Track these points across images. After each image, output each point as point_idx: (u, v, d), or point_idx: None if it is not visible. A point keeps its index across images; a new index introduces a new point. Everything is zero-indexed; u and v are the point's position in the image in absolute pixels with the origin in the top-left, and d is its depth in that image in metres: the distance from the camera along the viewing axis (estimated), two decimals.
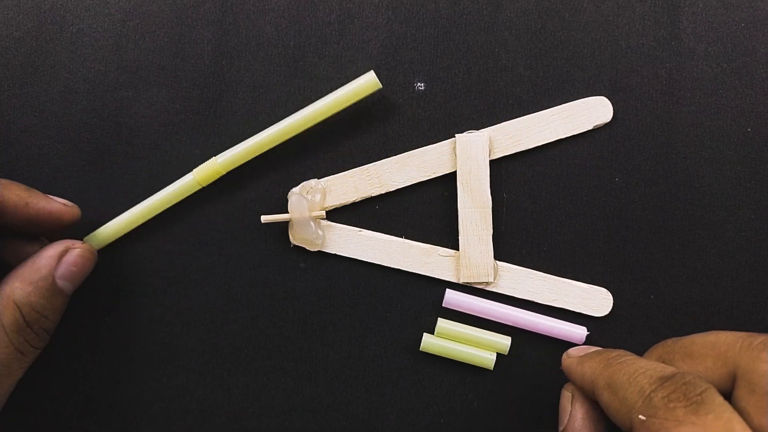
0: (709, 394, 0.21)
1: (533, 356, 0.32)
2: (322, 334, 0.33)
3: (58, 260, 0.28)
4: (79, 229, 0.32)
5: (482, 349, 0.32)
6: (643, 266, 0.33)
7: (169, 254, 0.33)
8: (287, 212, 0.32)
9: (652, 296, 0.32)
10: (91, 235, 0.32)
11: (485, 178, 0.32)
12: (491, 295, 0.32)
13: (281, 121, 0.32)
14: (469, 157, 0.32)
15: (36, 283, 0.27)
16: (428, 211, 0.33)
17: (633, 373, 0.23)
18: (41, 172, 0.33)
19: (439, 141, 0.33)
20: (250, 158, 0.32)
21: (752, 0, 0.33)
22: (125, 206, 0.32)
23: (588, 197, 0.33)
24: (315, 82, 0.33)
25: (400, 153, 0.33)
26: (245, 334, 0.33)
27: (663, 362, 0.25)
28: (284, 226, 0.33)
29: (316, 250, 0.32)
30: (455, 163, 0.32)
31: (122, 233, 0.32)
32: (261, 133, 0.32)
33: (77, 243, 0.29)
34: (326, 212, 0.33)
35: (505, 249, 0.33)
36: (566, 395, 0.27)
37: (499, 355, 0.32)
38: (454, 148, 0.32)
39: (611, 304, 0.32)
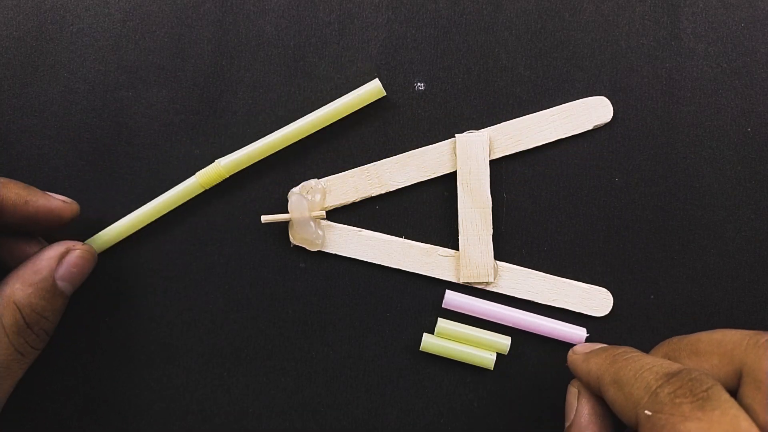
0: (715, 390, 0.21)
1: (533, 356, 0.32)
2: (322, 334, 0.33)
3: (58, 261, 0.28)
4: (78, 230, 0.32)
5: (482, 349, 0.32)
6: (643, 266, 0.33)
7: (169, 254, 0.33)
8: (287, 212, 0.32)
9: (652, 296, 0.32)
10: (94, 237, 0.32)
11: (485, 178, 0.32)
12: (491, 295, 0.32)
13: (285, 127, 0.32)
14: (469, 157, 0.32)
15: (36, 285, 0.27)
16: (428, 211, 0.33)
17: (639, 369, 0.23)
18: (41, 172, 0.33)
19: (439, 141, 0.33)
20: (253, 162, 0.32)
21: (752, 0, 0.33)
22: (125, 206, 0.32)
23: (588, 197, 0.33)
24: (315, 82, 0.33)
25: (400, 153, 0.33)
26: (245, 334, 0.33)
27: (669, 360, 0.25)
28: (284, 226, 0.33)
29: (316, 250, 0.32)
30: (455, 163, 0.32)
31: (125, 236, 0.32)
32: (265, 138, 0.32)
33: (78, 244, 0.29)
34: (326, 212, 0.33)
35: (505, 249, 0.33)
36: (573, 391, 0.27)
37: (499, 355, 0.32)
38: (454, 148, 0.32)
39: (611, 304, 0.32)
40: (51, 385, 0.32)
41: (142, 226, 0.32)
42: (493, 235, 0.32)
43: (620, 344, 0.31)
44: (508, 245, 0.33)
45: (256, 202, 0.33)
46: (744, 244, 0.33)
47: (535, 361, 0.32)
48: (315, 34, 0.33)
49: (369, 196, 0.33)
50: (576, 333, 0.32)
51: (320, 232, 0.32)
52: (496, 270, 0.32)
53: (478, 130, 0.33)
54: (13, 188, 0.28)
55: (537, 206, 0.33)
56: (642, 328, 0.32)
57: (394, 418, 0.32)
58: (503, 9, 0.33)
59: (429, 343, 0.32)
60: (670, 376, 0.22)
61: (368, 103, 0.32)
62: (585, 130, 0.33)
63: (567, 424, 0.27)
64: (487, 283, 0.32)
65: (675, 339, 0.26)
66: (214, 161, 0.32)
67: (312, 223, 0.32)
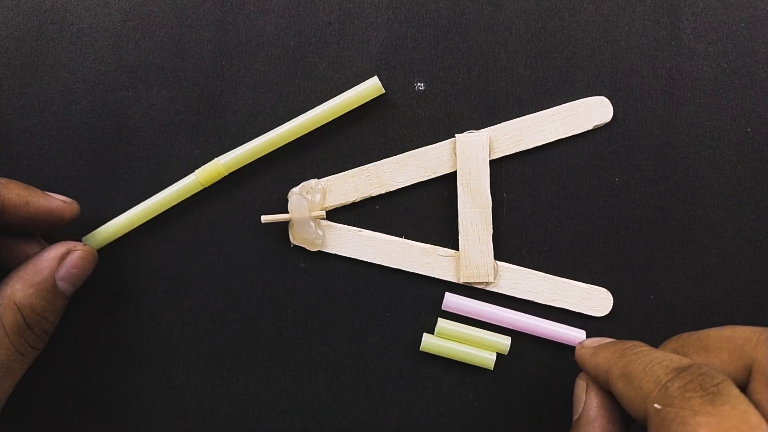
0: (725, 385, 0.21)
1: (533, 356, 0.32)
2: (322, 334, 0.33)
3: (59, 262, 0.28)
4: (78, 230, 0.32)
5: (482, 349, 0.32)
6: (643, 266, 0.33)
7: (169, 254, 0.33)
8: (287, 212, 0.32)
9: (652, 296, 0.32)
10: (92, 234, 0.32)
11: (485, 178, 0.32)
12: (491, 295, 0.32)
13: (284, 124, 0.32)
14: (469, 157, 0.32)
15: (37, 285, 0.27)
16: (428, 211, 0.33)
17: (648, 363, 0.23)
18: (41, 172, 0.33)
19: (439, 141, 0.33)
20: (252, 160, 0.32)
21: (752, 0, 0.33)
22: (125, 206, 0.32)
23: (588, 197, 0.33)
24: (315, 82, 0.33)
25: (400, 153, 0.33)
26: (245, 334, 0.33)
27: (678, 355, 0.25)
28: (284, 226, 0.33)
29: (316, 250, 0.32)
30: (455, 163, 0.32)
31: (123, 233, 0.32)
32: (264, 135, 0.32)
33: (78, 245, 0.29)
34: (326, 212, 0.33)
35: (505, 249, 0.33)
36: (581, 384, 0.27)
37: (499, 355, 0.32)
38: (454, 148, 0.32)
39: (611, 304, 0.32)
40: (51, 385, 0.32)
41: (141, 223, 0.32)
42: (493, 235, 0.32)
43: None
44: (508, 245, 0.33)
45: (256, 202, 0.33)
46: (744, 244, 0.33)
47: (535, 361, 0.32)
48: (315, 34, 0.33)
49: (369, 196, 0.33)
50: (575, 335, 0.32)
51: (320, 232, 0.32)
52: (496, 270, 0.32)
53: (478, 130, 0.33)
54: (13, 189, 0.28)
55: (537, 206, 0.33)
56: (642, 328, 0.32)
57: (394, 418, 0.32)
58: (503, 9, 0.33)
59: (429, 343, 0.32)
60: (680, 371, 0.22)
61: (367, 100, 0.32)
62: (585, 130, 0.33)
63: (575, 417, 0.27)
64: (487, 283, 0.32)
65: (684, 335, 0.26)
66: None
67: (312, 223, 0.32)
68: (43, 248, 0.29)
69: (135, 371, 0.33)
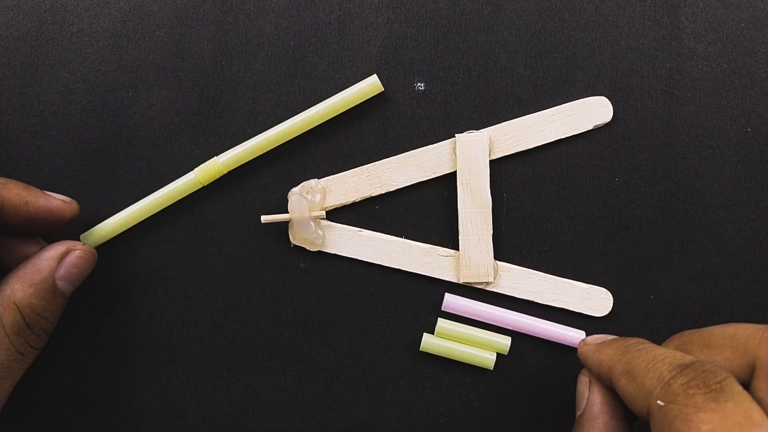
0: (728, 382, 0.21)
1: (533, 356, 0.32)
2: (322, 334, 0.33)
3: (58, 262, 0.28)
4: (78, 229, 0.32)
5: (482, 349, 0.32)
6: (643, 266, 0.33)
7: (169, 254, 0.33)
8: (287, 212, 0.32)
9: (652, 296, 0.32)
10: (90, 231, 0.32)
11: (485, 178, 0.32)
12: (491, 295, 0.32)
13: (283, 122, 0.32)
14: (469, 157, 0.32)
15: (36, 285, 0.27)
16: (428, 211, 0.33)
17: (652, 360, 0.23)
18: (41, 172, 0.33)
19: (439, 141, 0.33)
20: (251, 158, 0.32)
21: (752, 0, 0.33)
22: (125, 206, 0.32)
23: (588, 197, 0.33)
24: (315, 82, 0.33)
25: (400, 153, 0.33)
26: (245, 334, 0.33)
27: (681, 352, 0.25)
28: (284, 226, 0.33)
29: (316, 250, 0.32)
30: (455, 163, 0.32)
31: (121, 230, 0.32)
32: (263, 133, 0.32)
33: (78, 244, 0.29)
34: (326, 212, 0.33)
35: (505, 249, 0.33)
36: (583, 380, 0.27)
37: (499, 355, 0.32)
38: (454, 148, 0.32)
39: (611, 304, 0.32)
40: (51, 385, 0.32)
41: (139, 221, 0.32)
42: (493, 235, 0.32)
43: None
44: (508, 245, 0.33)
45: (256, 202, 0.33)
46: (744, 244, 0.33)
47: (535, 361, 0.32)
48: (315, 34, 0.33)
49: (369, 196, 0.33)
50: (575, 336, 0.32)
51: (320, 232, 0.32)
52: (496, 270, 0.32)
53: (478, 130, 0.33)
54: (13, 189, 0.28)
55: (537, 206, 0.33)
56: (642, 328, 0.32)
57: (394, 418, 0.32)
58: (503, 9, 0.33)
59: (429, 343, 0.32)
60: (684, 367, 0.22)
61: (366, 99, 0.32)
62: (585, 130, 0.33)
63: (578, 413, 0.27)
64: (487, 283, 0.32)
65: (687, 332, 0.26)
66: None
67: (312, 223, 0.32)
68: (42, 248, 0.29)
69: (135, 371, 0.33)
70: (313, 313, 0.33)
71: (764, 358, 0.22)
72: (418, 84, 0.33)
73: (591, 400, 0.27)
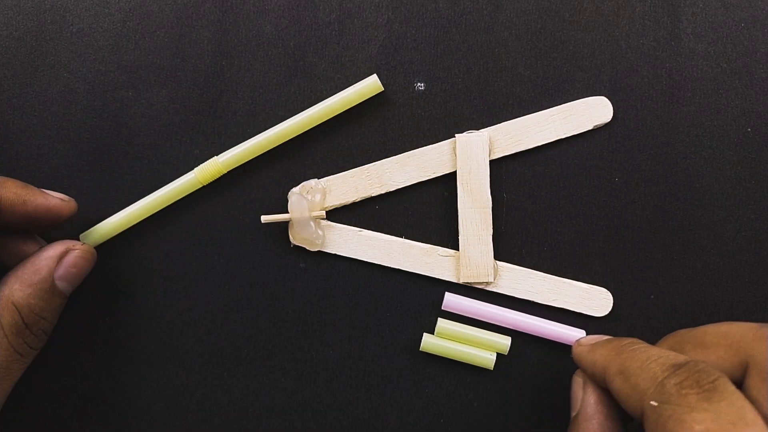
0: (721, 382, 0.21)
1: (533, 356, 0.32)
2: (322, 334, 0.33)
3: (57, 261, 0.28)
4: (78, 229, 0.32)
5: (482, 349, 0.32)
6: (643, 266, 0.33)
7: (169, 254, 0.33)
8: (287, 212, 0.32)
9: (652, 296, 0.32)
10: (89, 231, 0.32)
11: (485, 178, 0.32)
12: (491, 295, 0.32)
13: (283, 122, 0.32)
14: (469, 157, 0.32)
15: (35, 285, 0.27)
16: (428, 211, 0.33)
17: (645, 360, 0.23)
18: (41, 171, 0.33)
19: (439, 141, 0.33)
20: (251, 158, 0.32)
21: (752, 0, 0.33)
22: (125, 206, 0.32)
23: (588, 197, 0.33)
24: (315, 82, 0.33)
25: (400, 153, 0.33)
26: (245, 334, 0.33)
27: (675, 351, 0.25)
28: (284, 226, 0.33)
29: (316, 250, 0.32)
30: (455, 163, 0.32)
31: (121, 230, 0.32)
32: (263, 133, 0.32)
33: (77, 244, 0.29)
34: (326, 212, 0.33)
35: (505, 249, 0.33)
36: (578, 381, 0.27)
37: (499, 355, 0.32)
38: (454, 148, 0.32)
39: (611, 304, 0.32)
40: (51, 385, 0.32)
41: (139, 220, 0.32)
42: (493, 235, 0.32)
43: None
44: (508, 245, 0.33)
45: (256, 202, 0.33)
46: (744, 244, 0.33)
47: (535, 361, 0.32)
48: (315, 34, 0.33)
49: (369, 196, 0.33)
50: (575, 335, 0.32)
51: (320, 232, 0.32)
52: (496, 270, 0.32)
53: (478, 130, 0.33)
54: (11, 187, 0.28)
55: (537, 206, 0.33)
56: (642, 328, 0.32)
57: (394, 418, 0.32)
58: (503, 9, 0.33)
59: (429, 343, 0.32)
60: (677, 368, 0.22)
61: (366, 98, 0.32)
62: (585, 130, 0.33)
63: (573, 414, 0.27)
64: (487, 283, 0.32)
65: (681, 331, 0.26)
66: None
67: (312, 223, 0.32)
68: (41, 247, 0.29)
69: (135, 371, 0.33)
70: (313, 313, 0.33)
71: (757, 357, 0.22)
72: (418, 84, 0.33)
73: (585, 400, 0.27)
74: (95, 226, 0.32)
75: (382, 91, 0.32)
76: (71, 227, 0.31)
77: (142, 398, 0.32)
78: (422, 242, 0.33)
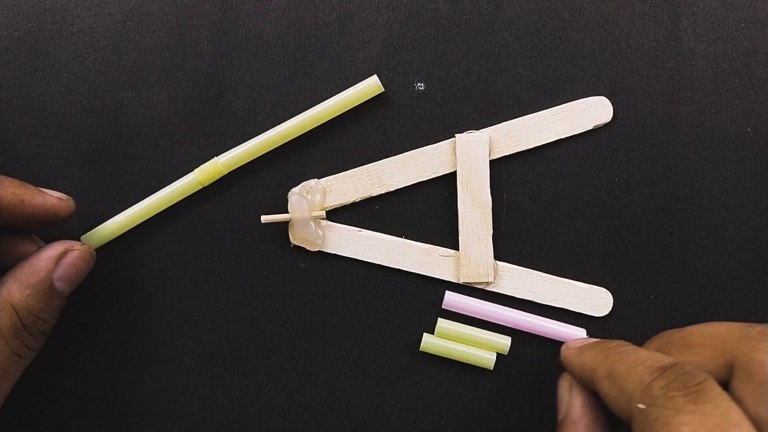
0: (707, 384, 0.21)
1: (533, 356, 0.32)
2: (322, 334, 0.33)
3: (56, 262, 0.28)
4: (78, 230, 0.32)
5: (482, 349, 0.32)
6: (643, 266, 0.33)
7: (169, 254, 0.33)
8: (287, 212, 0.32)
9: (652, 296, 0.32)
10: (90, 233, 0.32)
11: (485, 178, 0.32)
12: (491, 295, 0.32)
13: (284, 123, 0.32)
14: (469, 157, 0.32)
15: (34, 286, 0.27)
16: (428, 211, 0.33)
17: (633, 363, 0.23)
18: (41, 171, 0.33)
19: (439, 141, 0.33)
20: (251, 159, 0.32)
21: (752, 0, 0.33)
22: (125, 206, 0.32)
23: (588, 197, 0.33)
24: (315, 82, 0.33)
25: (400, 153, 0.33)
26: (245, 334, 0.33)
27: (662, 353, 0.25)
28: (284, 226, 0.33)
29: (316, 250, 0.32)
30: (455, 163, 0.32)
31: (122, 231, 0.32)
32: (263, 134, 0.32)
33: (76, 244, 0.29)
34: (326, 212, 0.33)
35: (505, 249, 0.33)
36: (563, 385, 0.27)
37: (499, 355, 0.32)
38: (454, 148, 0.32)
39: (611, 304, 0.32)
40: (50, 385, 0.32)
41: (140, 222, 0.32)
42: (493, 235, 0.32)
43: None
44: (508, 245, 0.33)
45: (256, 202, 0.33)
46: (744, 244, 0.33)
47: (535, 361, 0.32)
48: (315, 34, 0.33)
49: (369, 196, 0.33)
50: (575, 334, 0.32)
51: (320, 232, 0.32)
52: (496, 270, 0.32)
53: (478, 130, 0.33)
54: (8, 187, 0.27)
55: (537, 206, 0.33)
56: (642, 328, 0.32)
57: (394, 418, 0.32)
58: (503, 9, 0.33)
59: (429, 343, 0.32)
60: (664, 370, 0.22)
61: (366, 99, 0.32)
62: (585, 130, 0.33)
63: (560, 417, 0.27)
64: (487, 283, 0.32)
65: (668, 332, 0.26)
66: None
67: (312, 223, 0.32)
68: (39, 246, 0.29)
69: (135, 371, 0.33)
70: (313, 313, 0.33)
71: (742, 357, 0.22)
72: (418, 84, 0.33)
73: (572, 404, 0.26)
74: (96, 228, 0.32)
75: (383, 92, 0.32)
76: (70, 227, 0.31)
77: (142, 398, 0.32)
78: (422, 242, 0.33)
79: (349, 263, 0.33)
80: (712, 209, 0.33)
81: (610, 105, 0.33)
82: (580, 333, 0.32)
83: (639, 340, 0.32)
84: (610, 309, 0.32)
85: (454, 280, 0.32)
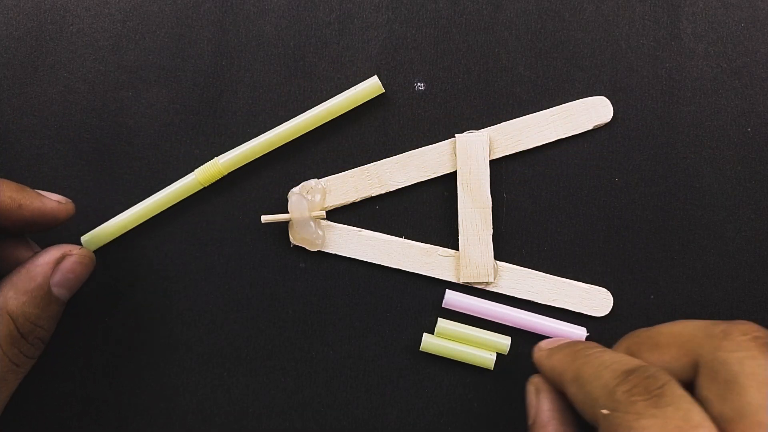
0: (669, 386, 0.21)
1: None
2: (322, 334, 0.33)
3: (53, 267, 0.27)
4: (77, 230, 0.32)
5: (482, 349, 0.32)
6: (643, 266, 0.33)
7: (169, 254, 0.33)
8: (287, 212, 0.32)
9: (652, 296, 0.32)
10: (90, 233, 0.32)
11: (485, 178, 0.32)
12: (491, 295, 0.32)
13: (284, 123, 0.32)
14: (469, 157, 0.32)
15: (31, 293, 0.26)
16: (428, 211, 0.33)
17: (598, 367, 0.23)
18: (40, 172, 0.33)
19: (439, 141, 0.33)
20: (251, 159, 0.32)
21: (752, 0, 0.33)
22: (125, 206, 0.32)
23: (588, 197, 0.33)
24: (315, 82, 0.33)
25: (400, 153, 0.33)
26: (245, 334, 0.33)
27: (631, 353, 0.25)
28: (284, 226, 0.33)
29: (316, 250, 0.32)
30: (455, 163, 0.32)
31: (122, 232, 0.32)
32: (263, 135, 0.32)
33: (74, 248, 0.28)
34: (326, 212, 0.33)
35: (505, 249, 0.33)
36: (530, 389, 0.27)
37: (499, 355, 0.32)
38: (454, 148, 0.32)
39: (611, 304, 0.32)
40: (50, 385, 0.32)
41: (140, 222, 0.32)
42: (493, 235, 0.32)
43: None
44: (508, 245, 0.33)
45: (256, 202, 0.33)
46: (744, 244, 0.33)
47: None
48: (315, 34, 0.33)
49: (369, 196, 0.33)
50: (576, 333, 0.32)
51: (320, 232, 0.32)
52: (496, 270, 0.32)
53: (478, 130, 0.33)
54: (6, 191, 0.27)
55: (537, 206, 0.33)
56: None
57: (394, 418, 0.32)
58: (503, 9, 0.33)
59: (429, 343, 0.32)
60: (628, 374, 0.22)
61: (367, 100, 0.32)
62: (585, 130, 0.33)
63: (529, 422, 0.27)
64: (487, 283, 0.32)
65: (638, 331, 0.26)
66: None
67: (312, 223, 0.32)
68: (35, 252, 0.28)
69: (135, 371, 0.33)
70: (313, 313, 0.33)
71: (706, 356, 0.22)
72: (418, 84, 0.33)
73: (540, 408, 0.26)
74: (96, 229, 0.32)
75: (383, 92, 0.32)
76: (70, 227, 0.31)
77: (142, 398, 0.32)
78: (422, 242, 0.33)
79: (349, 263, 0.33)
80: (712, 209, 0.33)
81: (610, 105, 0.33)
82: (580, 332, 0.32)
83: None
84: (610, 309, 0.32)
85: (454, 280, 0.32)
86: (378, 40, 0.33)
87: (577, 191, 0.33)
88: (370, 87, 0.32)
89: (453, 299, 0.32)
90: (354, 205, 0.33)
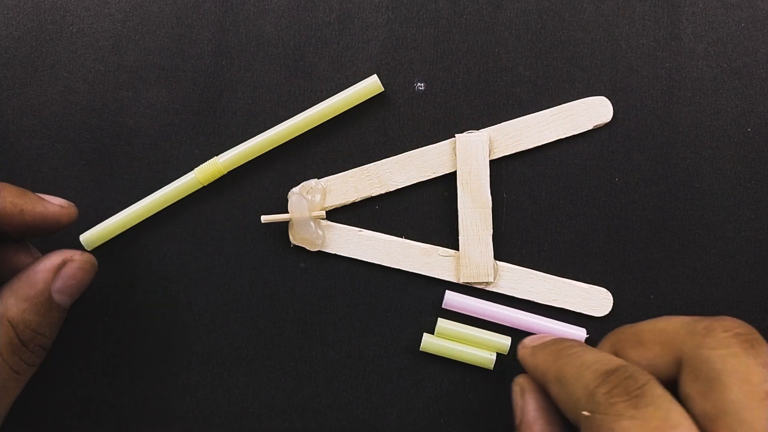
0: (649, 386, 0.21)
1: None
2: (322, 334, 0.33)
3: (55, 273, 0.26)
4: (77, 230, 0.32)
5: (482, 349, 0.32)
6: (643, 266, 0.33)
7: (169, 254, 0.33)
8: (287, 212, 0.32)
9: (652, 296, 0.32)
10: (89, 232, 0.32)
11: (485, 178, 0.32)
12: (491, 295, 0.32)
13: (283, 123, 0.32)
14: (469, 157, 0.32)
15: (31, 300, 0.26)
16: (428, 211, 0.33)
17: (579, 367, 0.23)
18: (41, 172, 0.33)
19: (439, 141, 0.33)
20: (251, 158, 0.32)
21: (752, 0, 0.33)
22: (125, 206, 0.32)
23: (588, 197, 0.33)
24: (315, 82, 0.33)
25: (400, 153, 0.33)
26: (245, 334, 0.33)
27: (615, 351, 0.25)
28: (284, 226, 0.33)
29: (316, 250, 0.32)
30: (455, 163, 0.32)
31: (121, 231, 0.32)
32: (263, 133, 0.32)
33: (76, 254, 0.27)
34: (326, 212, 0.33)
35: (505, 249, 0.33)
36: (515, 389, 0.27)
37: (499, 355, 0.32)
38: (454, 148, 0.32)
39: (611, 304, 0.32)
40: (50, 385, 0.32)
41: (139, 221, 0.32)
42: (493, 235, 0.32)
43: None
44: (508, 245, 0.33)
45: (256, 202, 0.33)
46: (744, 244, 0.33)
47: None
48: (315, 34, 0.33)
49: (369, 196, 0.33)
50: (576, 333, 0.32)
51: (320, 232, 0.32)
52: (496, 270, 0.32)
53: (478, 130, 0.33)
54: (7, 197, 0.26)
55: (537, 206, 0.33)
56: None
57: (394, 418, 0.32)
58: (503, 9, 0.33)
59: (429, 343, 0.32)
60: (608, 374, 0.22)
61: (366, 99, 0.32)
62: (585, 130, 0.33)
63: (516, 422, 0.27)
64: (487, 283, 0.32)
65: (622, 328, 0.26)
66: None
67: (312, 223, 0.32)
68: (35, 257, 0.28)
69: (135, 371, 0.33)
70: (313, 313, 0.33)
71: (688, 353, 0.22)
72: (418, 84, 0.33)
73: (525, 408, 0.26)
74: (95, 228, 0.32)
75: (383, 92, 0.32)
76: (70, 228, 0.31)
77: (142, 398, 0.32)
78: (422, 242, 0.33)
79: (349, 263, 0.33)
80: (712, 209, 0.33)
81: (610, 105, 0.33)
82: (580, 332, 0.32)
83: None
84: (610, 309, 0.32)
85: (454, 280, 0.32)
86: (378, 40, 0.33)
87: (577, 191, 0.33)
88: (370, 86, 0.32)
89: (453, 300, 0.32)
90: (354, 205, 0.33)
